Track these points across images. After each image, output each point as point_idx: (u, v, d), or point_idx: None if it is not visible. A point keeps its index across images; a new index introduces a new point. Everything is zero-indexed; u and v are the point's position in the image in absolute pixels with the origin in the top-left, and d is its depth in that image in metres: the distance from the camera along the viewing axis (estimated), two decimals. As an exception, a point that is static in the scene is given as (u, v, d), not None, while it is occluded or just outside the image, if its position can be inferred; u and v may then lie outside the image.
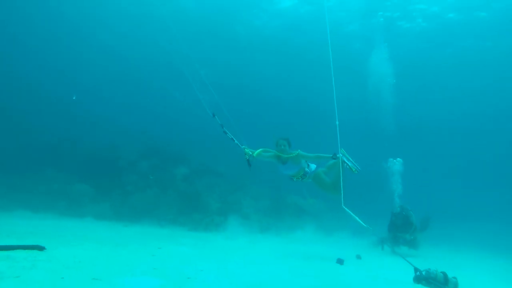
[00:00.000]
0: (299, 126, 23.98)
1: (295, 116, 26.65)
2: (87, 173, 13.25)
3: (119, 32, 22.73)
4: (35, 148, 15.31)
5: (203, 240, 7.60)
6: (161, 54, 20.93)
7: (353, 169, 6.23)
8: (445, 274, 4.30)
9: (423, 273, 4.41)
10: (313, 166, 6.36)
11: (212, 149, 16.60)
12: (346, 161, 6.24)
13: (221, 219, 10.64)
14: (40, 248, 4.05)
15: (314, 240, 9.93)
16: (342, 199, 5.15)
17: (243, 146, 6.05)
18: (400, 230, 8.96)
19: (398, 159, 10.97)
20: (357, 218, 4.96)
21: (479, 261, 8.24)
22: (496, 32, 18.65)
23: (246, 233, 10.00)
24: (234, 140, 6.13)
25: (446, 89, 23.65)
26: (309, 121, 25.60)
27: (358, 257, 7.01)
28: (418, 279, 4.43)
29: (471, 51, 20.54)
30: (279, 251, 6.98)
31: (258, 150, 6.05)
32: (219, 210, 11.59)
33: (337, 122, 5.41)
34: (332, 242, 9.69)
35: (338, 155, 6.07)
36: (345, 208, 5.03)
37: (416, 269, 4.53)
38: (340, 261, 5.86)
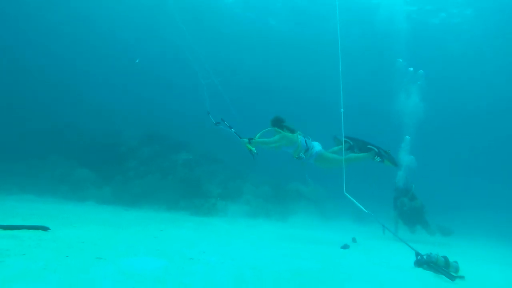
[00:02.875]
0: (305, 115, 23.91)
1: (300, 104, 26.58)
2: (89, 159, 13.29)
3: (121, 20, 22.56)
4: (39, 134, 15.33)
5: (204, 224, 7.66)
6: (163, 41, 20.83)
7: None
8: (446, 259, 4.32)
9: (424, 257, 4.42)
10: (316, 148, 6.30)
11: (212, 136, 16.59)
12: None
13: (222, 204, 10.70)
14: (45, 229, 4.08)
15: (315, 225, 10.01)
16: (344, 186, 5.14)
17: (243, 139, 5.87)
18: (404, 200, 9.05)
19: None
20: (359, 205, 4.99)
21: (483, 249, 8.29)
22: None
23: (247, 218, 10.09)
24: (232, 131, 6.03)
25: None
26: (315, 109, 25.57)
27: (354, 240, 7.05)
28: (419, 263, 4.45)
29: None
30: (280, 235, 7.04)
31: (256, 137, 5.93)
32: (220, 195, 11.65)
33: (341, 110, 5.37)
34: (332, 227, 9.76)
35: (339, 138, 6.13)
36: (347, 195, 5.05)
37: (417, 253, 4.55)
38: (345, 246, 5.92)
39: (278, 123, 6.22)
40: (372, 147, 6.49)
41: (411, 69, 10.94)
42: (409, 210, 9.06)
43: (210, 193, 11.77)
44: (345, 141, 6.71)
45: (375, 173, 14.73)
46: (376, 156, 6.48)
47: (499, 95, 23.25)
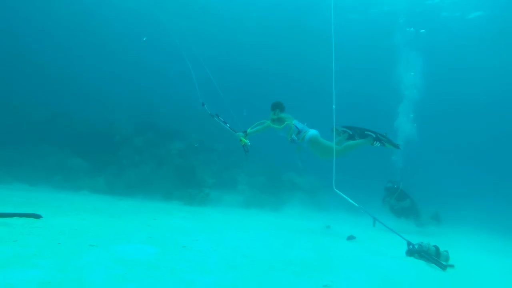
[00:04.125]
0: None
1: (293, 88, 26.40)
2: (82, 148, 13.19)
3: (116, 6, 22.21)
4: (32, 123, 15.14)
5: (198, 214, 7.66)
6: (158, 29, 20.56)
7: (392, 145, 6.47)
8: (437, 248, 4.39)
9: (416, 246, 4.49)
10: (310, 132, 6.34)
11: (207, 125, 16.52)
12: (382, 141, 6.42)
13: (217, 194, 10.72)
14: (37, 216, 4.05)
15: (309, 215, 10.06)
16: (334, 182, 5.21)
17: (238, 133, 6.07)
18: (391, 202, 9.13)
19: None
20: (348, 199, 5.09)
21: (475, 238, 8.41)
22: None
23: (241, 208, 10.13)
24: (227, 126, 6.17)
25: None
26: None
27: (328, 227, 7.20)
28: (410, 252, 4.52)
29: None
30: (274, 225, 7.08)
31: (249, 130, 6.13)
32: (214, 185, 11.66)
33: (333, 106, 5.43)
34: (326, 218, 9.79)
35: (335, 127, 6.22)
36: (337, 191, 5.14)
37: (409, 243, 4.61)
38: (351, 238, 5.98)
39: (272, 108, 6.42)
40: (370, 133, 6.49)
41: (411, 29, 10.71)
42: (400, 209, 9.16)
43: (205, 182, 11.77)
44: (343, 131, 6.75)
45: (369, 164, 14.84)
46: (375, 141, 6.49)
47: (499, 83, 23.13)
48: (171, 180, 11.80)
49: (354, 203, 5.16)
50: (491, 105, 24.92)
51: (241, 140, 5.99)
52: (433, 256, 4.24)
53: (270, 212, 10.27)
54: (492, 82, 23.41)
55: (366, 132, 6.53)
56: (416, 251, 4.43)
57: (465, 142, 26.68)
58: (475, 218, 11.14)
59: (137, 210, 7.10)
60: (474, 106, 25.35)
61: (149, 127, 15.23)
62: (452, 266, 4.07)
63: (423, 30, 10.69)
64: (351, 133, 6.69)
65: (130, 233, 4.00)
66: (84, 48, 25.25)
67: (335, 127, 6.78)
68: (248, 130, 6.14)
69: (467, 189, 18.38)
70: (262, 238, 5.01)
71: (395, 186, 9.25)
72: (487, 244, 7.64)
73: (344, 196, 5.11)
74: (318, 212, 11.30)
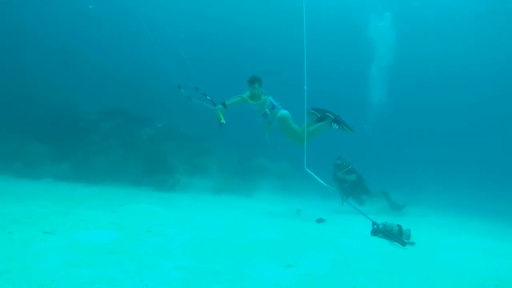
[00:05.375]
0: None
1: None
2: (44, 133, 12.52)
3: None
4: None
5: (167, 199, 7.53)
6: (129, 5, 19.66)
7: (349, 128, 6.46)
8: (400, 227, 4.53)
9: (380, 226, 4.62)
10: (283, 111, 6.30)
11: (178, 110, 16.15)
12: (339, 123, 6.41)
13: (187, 180, 10.57)
14: (-13, 204, 3.80)
15: (280, 200, 10.15)
16: (305, 161, 5.23)
17: (218, 106, 5.89)
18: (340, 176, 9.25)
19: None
20: (318, 179, 5.14)
21: (442, 219, 8.79)
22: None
23: (212, 193, 10.06)
24: (208, 98, 6.01)
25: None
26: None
27: (298, 211, 7.28)
28: (375, 232, 4.64)
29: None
30: (244, 209, 7.08)
31: (227, 102, 6.01)
32: (184, 171, 11.49)
33: (305, 87, 5.43)
34: (297, 202, 9.93)
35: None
36: (308, 170, 5.17)
37: (374, 223, 4.73)
38: (320, 220, 6.04)
39: (250, 83, 6.33)
40: (329, 114, 6.52)
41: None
42: (349, 186, 9.25)
43: (175, 168, 11.56)
44: (312, 113, 6.72)
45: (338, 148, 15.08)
46: (333, 123, 6.50)
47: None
48: (140, 166, 11.50)
49: (323, 183, 5.25)
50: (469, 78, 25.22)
51: (218, 115, 5.84)
52: (396, 235, 4.37)
53: (241, 197, 10.26)
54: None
55: (326, 114, 6.55)
56: (380, 231, 4.55)
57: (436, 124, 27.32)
58: (444, 200, 11.65)
59: (103, 196, 6.88)
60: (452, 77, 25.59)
61: (117, 112, 14.67)
62: (412, 243, 4.21)
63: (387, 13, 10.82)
64: (319, 115, 6.69)
65: (91, 220, 3.83)
66: (44, 23, 23.68)
67: (310, 110, 6.78)
68: (227, 102, 5.97)
69: (438, 172, 19.08)
70: (229, 222, 4.97)
71: (344, 164, 9.30)
72: (452, 224, 8.01)
73: (314, 175, 5.17)
74: (289, 196, 11.41)
